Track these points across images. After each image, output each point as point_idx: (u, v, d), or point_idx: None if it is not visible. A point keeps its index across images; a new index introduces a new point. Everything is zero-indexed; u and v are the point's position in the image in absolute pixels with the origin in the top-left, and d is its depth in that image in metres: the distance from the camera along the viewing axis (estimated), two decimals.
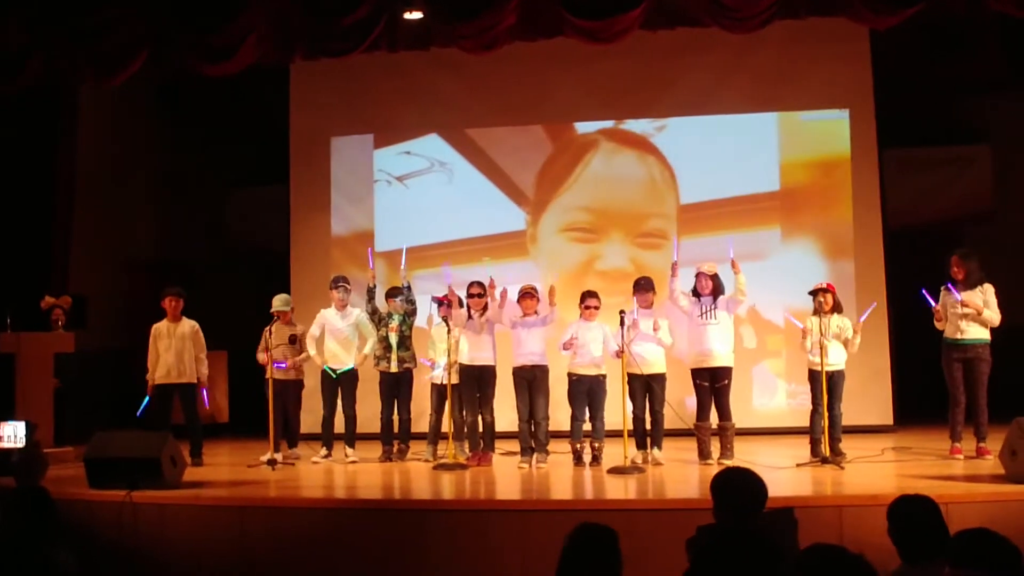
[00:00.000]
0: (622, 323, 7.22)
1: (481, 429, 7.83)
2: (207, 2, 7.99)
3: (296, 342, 8.26)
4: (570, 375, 7.55)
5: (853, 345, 7.27)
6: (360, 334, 8.26)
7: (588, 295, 7.69)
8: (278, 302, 8.29)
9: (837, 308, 7.33)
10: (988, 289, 7.24)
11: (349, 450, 8.17)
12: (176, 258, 10.83)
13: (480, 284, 7.90)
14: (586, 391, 7.48)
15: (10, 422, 7.08)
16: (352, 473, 7.62)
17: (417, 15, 8.05)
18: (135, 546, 6.13)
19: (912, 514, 3.50)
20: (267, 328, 8.05)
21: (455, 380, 7.79)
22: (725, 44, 9.18)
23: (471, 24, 7.88)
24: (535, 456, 7.52)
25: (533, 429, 7.59)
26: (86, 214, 9.88)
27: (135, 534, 6.15)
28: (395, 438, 8.21)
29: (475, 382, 7.80)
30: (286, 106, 10.41)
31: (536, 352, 7.59)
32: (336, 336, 8.22)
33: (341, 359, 8.20)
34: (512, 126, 10.10)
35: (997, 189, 10.43)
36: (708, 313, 7.43)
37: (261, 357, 8.18)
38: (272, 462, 7.74)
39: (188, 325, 8.22)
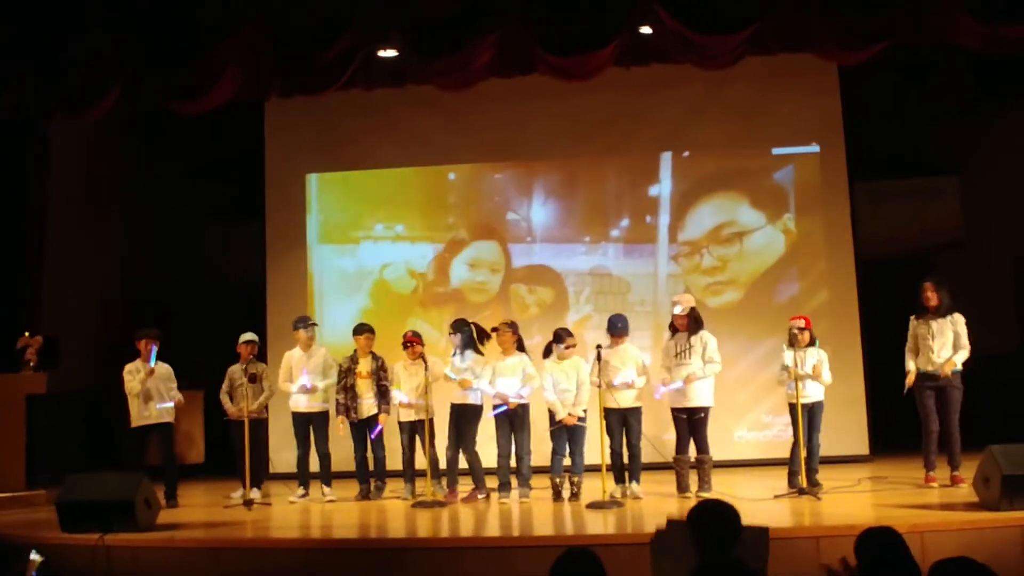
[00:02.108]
0: (599, 357, 7.24)
1: (469, 466, 7.81)
2: (180, 39, 7.99)
3: (257, 381, 8.11)
4: (551, 411, 7.54)
5: (820, 377, 7.27)
6: (325, 372, 8.21)
7: (566, 334, 7.65)
8: (243, 336, 8.23)
9: (811, 341, 7.40)
10: (959, 320, 7.32)
11: (326, 489, 8.09)
12: (151, 296, 10.75)
13: (461, 322, 7.95)
14: (566, 426, 7.47)
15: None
16: (329, 512, 7.55)
17: (392, 53, 8.10)
18: None
19: (877, 546, 3.55)
20: (232, 368, 8.11)
21: (418, 417, 7.79)
22: (697, 80, 9.29)
23: (446, 61, 7.95)
24: (518, 491, 7.52)
25: (516, 464, 7.58)
26: (58, 251, 9.78)
27: None
28: (371, 476, 8.14)
29: (463, 419, 7.80)
30: (262, 142, 10.41)
31: (512, 381, 7.58)
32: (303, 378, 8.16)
33: (308, 401, 8.14)
34: (489, 163, 10.16)
35: (966, 219, 10.60)
36: (684, 352, 7.42)
37: (225, 400, 8.14)
38: (248, 502, 7.66)
39: (163, 368, 8.15)
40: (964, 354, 7.24)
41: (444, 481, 7.89)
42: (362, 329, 8.19)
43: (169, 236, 11.31)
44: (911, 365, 7.36)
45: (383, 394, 8.04)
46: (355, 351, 8.18)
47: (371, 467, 8.16)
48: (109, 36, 8.05)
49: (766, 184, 9.85)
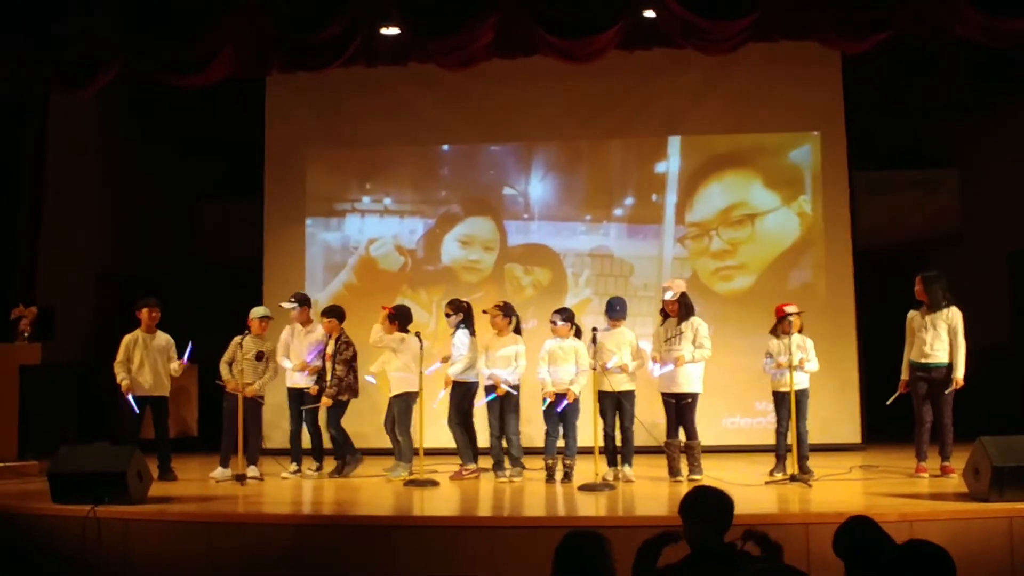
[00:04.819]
0: (594, 340, 7.24)
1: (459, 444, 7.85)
2: (180, 14, 7.95)
3: (263, 359, 8.03)
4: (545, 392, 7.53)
5: (804, 366, 7.28)
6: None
7: (564, 312, 7.64)
8: (258, 311, 8.14)
9: (799, 328, 7.40)
10: (955, 315, 7.27)
11: (316, 464, 8.13)
12: (147, 271, 10.73)
13: (457, 302, 7.94)
14: (558, 408, 7.47)
15: None
16: (321, 489, 7.57)
17: (394, 31, 8.06)
18: (98, 563, 6.04)
19: (856, 535, 3.57)
20: (238, 339, 7.94)
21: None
22: (700, 65, 9.21)
23: (448, 40, 7.93)
24: (509, 471, 7.54)
25: (506, 444, 7.60)
26: (56, 224, 9.74)
27: (99, 550, 6.06)
28: (344, 452, 8.09)
29: (455, 396, 7.81)
30: (261, 118, 10.33)
31: (507, 371, 7.58)
32: (301, 354, 8.14)
33: (304, 378, 8.13)
34: (489, 143, 9.99)
35: (964, 212, 10.60)
36: (675, 338, 7.42)
37: (224, 370, 8.00)
38: (241, 477, 7.67)
39: (163, 338, 8.10)
40: (962, 355, 7.20)
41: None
42: (333, 312, 8.12)
43: (166, 212, 11.29)
44: (905, 374, 7.38)
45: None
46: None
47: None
48: (108, 10, 7.99)
49: (781, 163, 9.56)
